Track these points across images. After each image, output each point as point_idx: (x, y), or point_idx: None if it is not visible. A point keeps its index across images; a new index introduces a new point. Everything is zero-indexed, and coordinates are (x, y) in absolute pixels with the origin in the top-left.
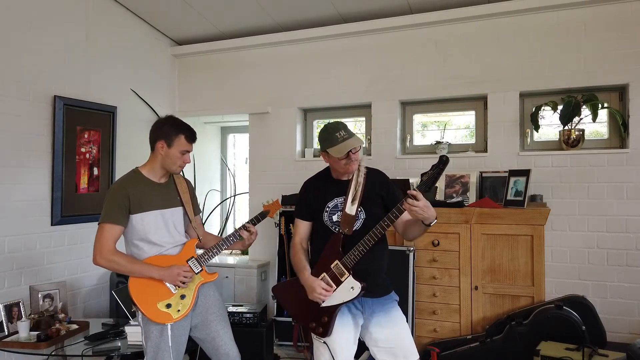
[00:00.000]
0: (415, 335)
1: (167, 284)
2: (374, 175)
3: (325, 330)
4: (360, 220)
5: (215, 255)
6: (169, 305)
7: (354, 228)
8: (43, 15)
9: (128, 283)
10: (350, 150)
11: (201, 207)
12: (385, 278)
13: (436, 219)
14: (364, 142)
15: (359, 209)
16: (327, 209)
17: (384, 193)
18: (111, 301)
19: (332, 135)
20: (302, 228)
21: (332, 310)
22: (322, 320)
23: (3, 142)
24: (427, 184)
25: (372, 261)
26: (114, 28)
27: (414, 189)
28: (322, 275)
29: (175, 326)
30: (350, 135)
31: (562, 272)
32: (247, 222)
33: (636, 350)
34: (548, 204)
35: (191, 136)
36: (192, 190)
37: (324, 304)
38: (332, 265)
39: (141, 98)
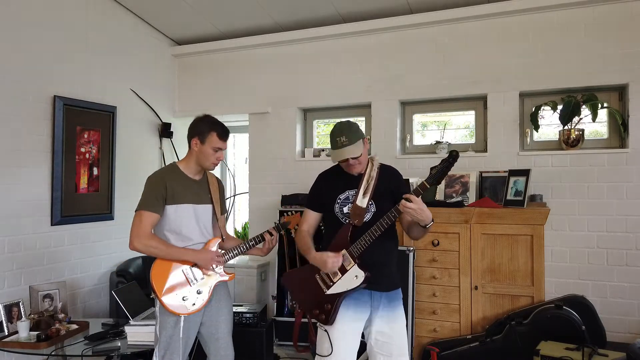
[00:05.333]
0: (415, 335)
1: (188, 277)
2: (387, 172)
3: (327, 318)
4: (371, 212)
5: (235, 257)
6: (185, 298)
7: (364, 220)
8: (43, 15)
9: (151, 271)
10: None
11: None
12: (395, 272)
13: (433, 221)
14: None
15: (370, 202)
16: (339, 201)
17: (394, 189)
18: (111, 301)
19: (334, 139)
20: (311, 217)
21: (336, 299)
22: (325, 307)
23: (3, 142)
24: (436, 177)
25: (382, 253)
26: (114, 28)
27: (419, 186)
28: (335, 254)
29: (188, 319)
30: (352, 141)
31: (562, 272)
32: (271, 228)
33: (636, 350)
34: (548, 204)
35: (223, 133)
36: (222, 189)
37: (328, 292)
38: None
39: (141, 98)
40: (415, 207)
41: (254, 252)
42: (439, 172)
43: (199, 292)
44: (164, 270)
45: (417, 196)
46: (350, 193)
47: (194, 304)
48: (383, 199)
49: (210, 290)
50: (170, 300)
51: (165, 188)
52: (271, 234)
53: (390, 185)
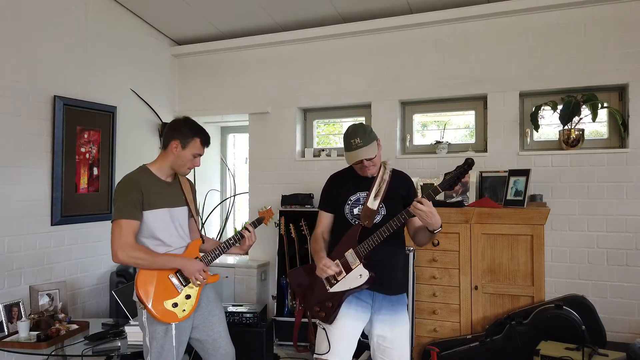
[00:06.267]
0: (415, 335)
1: (174, 283)
2: (399, 177)
3: (327, 316)
4: (381, 215)
5: (216, 258)
6: (175, 305)
7: (374, 222)
8: (43, 15)
9: (135, 281)
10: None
11: (201, 207)
12: (400, 277)
13: (441, 227)
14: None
15: (381, 205)
16: (349, 202)
17: (405, 194)
18: (111, 301)
19: (348, 141)
20: (324, 219)
21: (338, 297)
22: (326, 305)
23: (3, 142)
24: (449, 182)
25: (388, 256)
26: (114, 28)
27: (431, 190)
28: (336, 262)
29: (178, 326)
30: (366, 143)
31: (562, 272)
32: (248, 224)
33: (636, 350)
34: (548, 204)
35: (206, 141)
36: (194, 191)
37: (331, 290)
38: (345, 253)
39: (141, 98)
40: (426, 210)
41: (234, 251)
42: (453, 178)
43: (187, 297)
44: (149, 278)
45: (429, 200)
46: (362, 195)
47: (184, 310)
48: (394, 202)
49: (198, 294)
50: (159, 308)
51: (141, 192)
52: (249, 230)
53: (401, 189)
